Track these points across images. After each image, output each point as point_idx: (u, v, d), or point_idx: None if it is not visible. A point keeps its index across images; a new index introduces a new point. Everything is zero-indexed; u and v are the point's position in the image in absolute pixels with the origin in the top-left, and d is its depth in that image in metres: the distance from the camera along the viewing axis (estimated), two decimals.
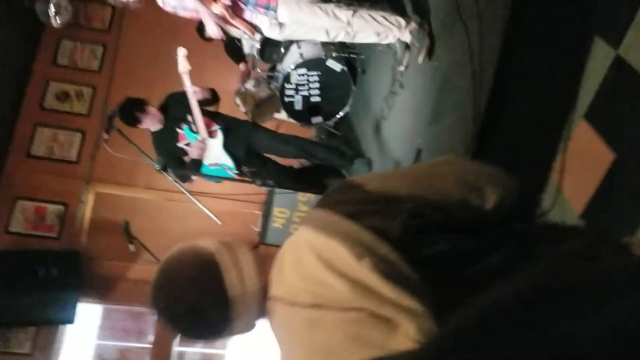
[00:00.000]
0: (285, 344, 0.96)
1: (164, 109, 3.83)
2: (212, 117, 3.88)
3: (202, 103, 3.72)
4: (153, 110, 3.71)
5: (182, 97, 3.70)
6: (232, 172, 3.88)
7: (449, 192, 1.00)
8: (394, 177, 1.11)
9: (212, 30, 3.32)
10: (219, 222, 3.95)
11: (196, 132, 3.74)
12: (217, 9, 3.15)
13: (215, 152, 3.84)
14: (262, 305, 1.00)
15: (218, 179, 3.76)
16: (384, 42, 3.40)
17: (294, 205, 4.75)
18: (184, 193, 3.67)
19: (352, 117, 4.63)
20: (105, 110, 5.17)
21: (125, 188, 5.22)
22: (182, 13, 3.34)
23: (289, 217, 4.68)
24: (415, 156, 3.22)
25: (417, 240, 0.86)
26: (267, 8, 3.21)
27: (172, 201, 5.20)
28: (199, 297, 0.96)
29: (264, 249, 1.07)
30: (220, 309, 0.96)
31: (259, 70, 4.56)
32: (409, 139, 3.41)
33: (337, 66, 4.34)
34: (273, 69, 4.60)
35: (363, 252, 0.84)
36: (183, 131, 3.79)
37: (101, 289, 5.02)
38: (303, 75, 4.35)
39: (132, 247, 3.81)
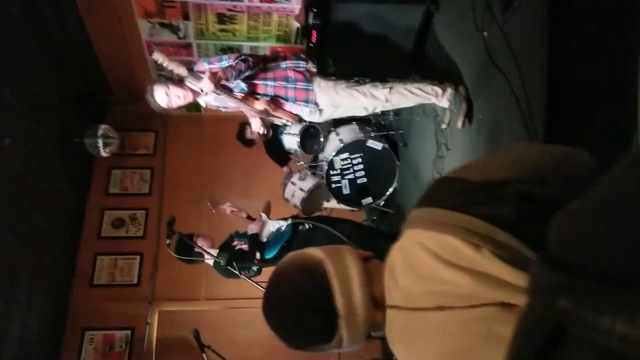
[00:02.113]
0: (411, 355, 0.89)
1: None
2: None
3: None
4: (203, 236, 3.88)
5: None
6: (287, 224, 3.85)
7: (545, 165, 0.95)
8: (489, 164, 1.05)
9: (256, 125, 3.45)
10: None
11: (245, 232, 3.91)
12: (260, 105, 3.29)
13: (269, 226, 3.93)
14: (371, 316, 0.95)
15: (282, 243, 3.75)
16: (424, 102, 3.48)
17: None
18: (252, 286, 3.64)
19: (403, 192, 4.61)
20: (159, 230, 5.33)
21: (187, 303, 5.20)
22: (224, 109, 3.50)
23: None
24: None
25: (531, 222, 0.80)
26: (306, 101, 3.35)
27: (235, 309, 5.16)
28: (303, 302, 0.95)
29: (374, 262, 1.03)
30: (323, 317, 0.94)
31: (302, 163, 4.65)
32: None
33: (377, 145, 4.40)
34: (316, 159, 4.69)
35: (480, 241, 0.79)
36: (236, 240, 3.92)
37: None
38: (346, 159, 4.41)
39: (205, 358, 3.73)
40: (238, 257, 3.69)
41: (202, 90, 3.13)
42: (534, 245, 0.76)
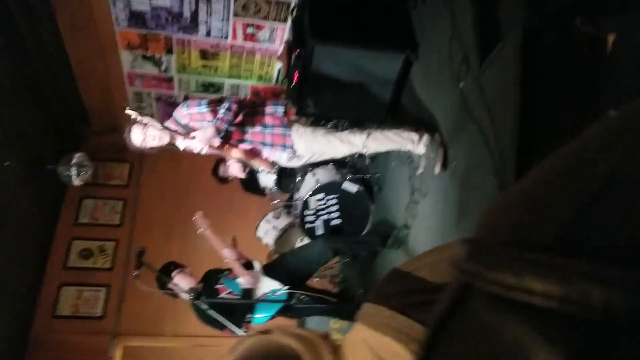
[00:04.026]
0: None
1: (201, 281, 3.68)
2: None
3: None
4: (188, 271, 3.56)
5: (214, 271, 3.76)
6: (283, 291, 3.61)
7: None
8: (440, 264, 1.03)
9: (235, 170, 3.41)
10: None
11: (234, 278, 3.64)
12: (237, 153, 3.26)
13: (263, 284, 3.68)
14: None
15: (272, 312, 3.60)
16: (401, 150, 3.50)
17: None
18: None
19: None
20: (127, 262, 5.22)
21: (152, 338, 5.07)
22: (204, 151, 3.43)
23: None
24: None
25: None
26: (284, 146, 3.31)
27: (200, 346, 5.04)
28: None
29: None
30: None
31: (278, 201, 4.65)
32: (437, 243, 3.36)
33: (353, 187, 4.43)
34: (291, 198, 4.70)
35: (418, 348, 0.80)
36: (222, 284, 3.64)
37: None
38: (321, 200, 4.42)
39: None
40: (221, 310, 3.37)
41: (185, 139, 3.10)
42: None
